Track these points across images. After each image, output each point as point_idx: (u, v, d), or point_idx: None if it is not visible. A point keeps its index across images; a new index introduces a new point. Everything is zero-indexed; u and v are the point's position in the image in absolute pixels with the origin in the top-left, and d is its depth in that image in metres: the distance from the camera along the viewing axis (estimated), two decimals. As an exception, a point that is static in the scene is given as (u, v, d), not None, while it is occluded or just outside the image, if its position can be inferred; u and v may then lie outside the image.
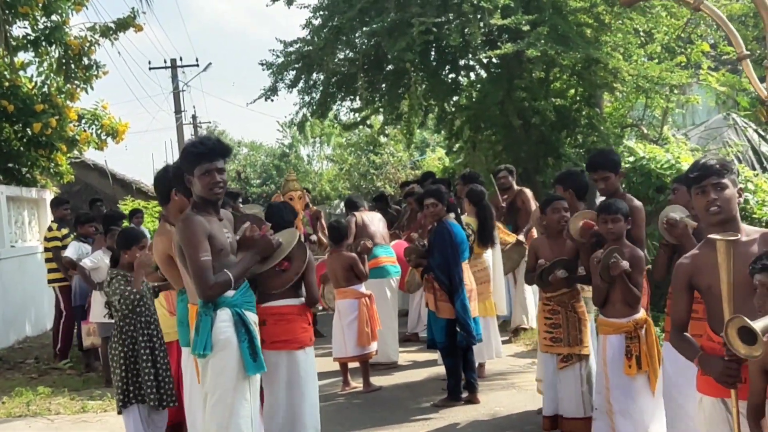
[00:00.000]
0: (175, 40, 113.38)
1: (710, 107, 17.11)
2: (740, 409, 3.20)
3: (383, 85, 13.85)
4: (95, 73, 12.64)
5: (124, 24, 12.63)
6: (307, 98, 13.79)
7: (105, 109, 13.52)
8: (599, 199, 6.02)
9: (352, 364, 8.00)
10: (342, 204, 18.56)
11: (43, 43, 11.93)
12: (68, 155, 13.48)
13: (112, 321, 5.85)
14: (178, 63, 30.34)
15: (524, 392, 7.27)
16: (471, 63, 13.84)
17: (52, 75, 12.49)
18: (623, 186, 8.59)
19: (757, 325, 2.87)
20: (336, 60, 13.11)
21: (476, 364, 7.41)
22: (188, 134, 32.75)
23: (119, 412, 5.68)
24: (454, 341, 6.93)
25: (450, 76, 13.91)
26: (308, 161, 40.65)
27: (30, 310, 12.17)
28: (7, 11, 10.98)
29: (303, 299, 5.59)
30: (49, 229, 10.17)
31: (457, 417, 6.71)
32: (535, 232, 8.84)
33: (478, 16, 11.72)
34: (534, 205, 9.63)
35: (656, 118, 14.93)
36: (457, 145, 15.97)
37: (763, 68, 4.75)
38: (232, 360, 4.33)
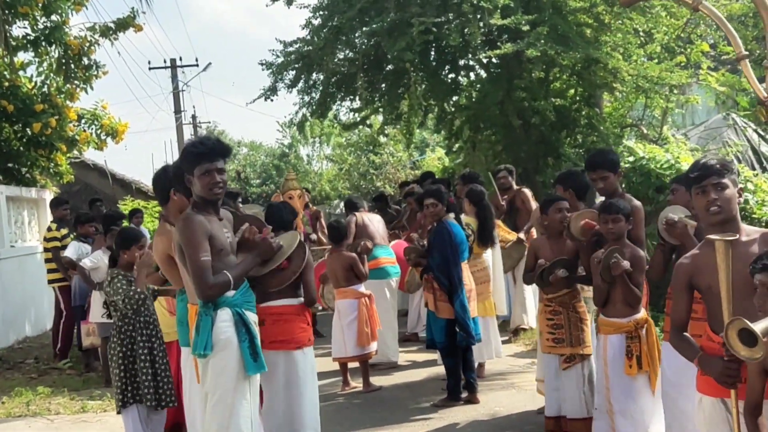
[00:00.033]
0: (174, 40, 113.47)
1: (710, 107, 17.12)
2: (740, 409, 3.20)
3: (383, 85, 13.86)
4: (95, 73, 12.65)
5: (124, 24, 12.64)
6: (306, 98, 13.80)
7: (105, 109, 13.53)
8: (599, 199, 6.02)
9: (351, 364, 8.00)
10: (342, 204, 18.55)
11: (43, 43, 11.93)
12: (68, 155, 13.49)
13: (112, 321, 5.85)
14: (178, 63, 30.34)
15: (524, 392, 7.27)
16: (471, 63, 13.85)
17: (51, 75, 12.49)
18: (623, 186, 8.61)
19: (758, 327, 2.87)
20: (336, 60, 13.11)
21: (476, 364, 7.41)
22: (188, 134, 32.74)
23: (118, 412, 5.68)
24: (454, 341, 6.93)
25: (450, 76, 13.92)
26: (308, 161, 40.62)
27: (30, 310, 12.17)
28: (6, 11, 10.98)
29: (301, 299, 5.60)
30: (49, 229, 10.17)
31: (456, 417, 6.71)
32: (534, 232, 8.84)
33: (478, 16, 11.73)
34: (534, 204, 9.63)
35: (656, 118, 14.93)
36: (456, 145, 15.97)
37: (763, 68, 4.75)
38: (232, 360, 4.33)
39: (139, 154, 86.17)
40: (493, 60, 12.87)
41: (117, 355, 5.61)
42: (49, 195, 13.18)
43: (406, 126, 15.28)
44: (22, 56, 12.52)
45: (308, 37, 13.11)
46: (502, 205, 9.80)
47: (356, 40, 12.90)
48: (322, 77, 13.50)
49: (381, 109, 14.89)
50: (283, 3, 13.32)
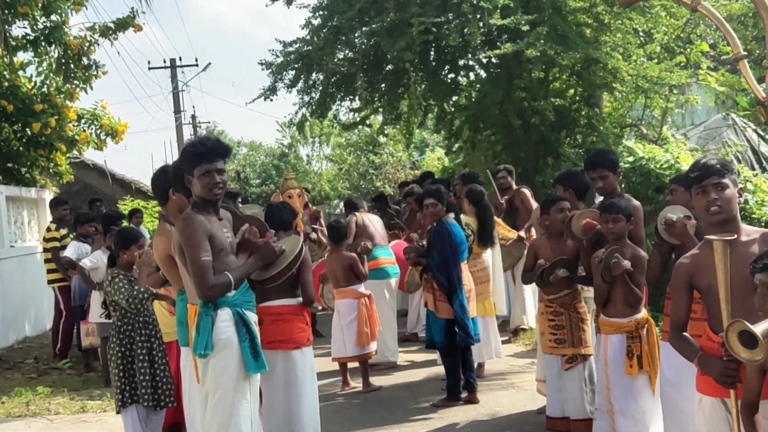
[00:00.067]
0: (174, 40, 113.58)
1: (709, 107, 17.12)
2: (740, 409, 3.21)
3: (383, 85, 13.86)
4: (94, 73, 12.65)
5: (124, 24, 12.63)
6: (306, 98, 13.81)
7: (104, 109, 13.53)
8: (598, 198, 6.02)
9: (351, 364, 8.00)
10: (341, 204, 18.55)
11: (43, 43, 11.93)
12: (68, 155, 13.49)
13: (111, 321, 5.85)
14: (178, 63, 30.33)
15: (524, 392, 7.28)
16: (470, 63, 13.85)
17: (51, 75, 12.49)
18: (622, 186, 8.61)
19: (758, 329, 2.86)
20: (335, 60, 13.12)
21: (475, 364, 7.41)
22: (187, 134, 32.74)
23: (118, 412, 5.68)
24: (453, 341, 6.93)
25: (449, 76, 13.92)
26: (307, 161, 40.59)
27: (29, 310, 12.17)
28: (6, 11, 10.98)
29: (300, 299, 5.59)
30: (48, 229, 10.17)
31: (456, 417, 6.71)
32: (534, 232, 8.83)
33: (478, 16, 11.73)
34: (533, 203, 9.64)
35: (655, 118, 14.93)
36: (456, 145, 15.97)
37: (763, 68, 4.76)
38: (232, 360, 4.33)
39: (139, 154, 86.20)
40: (493, 60, 12.88)
41: (116, 355, 5.62)
42: (48, 195, 13.18)
43: (405, 126, 15.28)
44: (21, 56, 12.53)
45: (308, 37, 13.12)
46: (501, 204, 9.81)
47: (356, 40, 12.91)
48: (321, 77, 13.51)
49: (381, 109, 14.90)
50: (282, 3, 13.32)
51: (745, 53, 4.97)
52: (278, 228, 5.68)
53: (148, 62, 30.28)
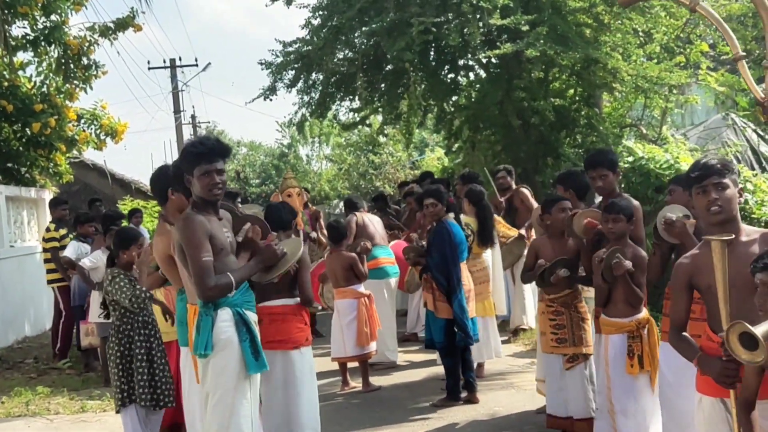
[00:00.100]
0: (174, 39, 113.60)
1: (709, 107, 17.12)
2: (740, 408, 3.22)
3: (382, 85, 13.86)
4: (94, 72, 12.64)
5: (124, 24, 12.63)
6: (306, 98, 13.81)
7: (104, 108, 13.52)
8: (597, 198, 6.02)
9: (351, 364, 8.00)
10: (341, 204, 18.55)
11: (43, 43, 11.93)
12: (67, 155, 13.49)
13: (110, 321, 5.85)
14: (178, 63, 30.32)
15: (523, 392, 7.28)
16: (470, 63, 13.85)
17: (51, 75, 12.49)
18: (621, 186, 8.61)
19: (759, 330, 2.86)
20: (335, 60, 13.12)
21: (475, 364, 7.42)
22: (187, 134, 32.72)
23: (117, 411, 5.68)
24: (453, 341, 6.93)
25: (449, 76, 13.93)
26: (307, 161, 40.58)
27: (29, 310, 12.16)
28: (6, 11, 10.98)
29: (299, 299, 5.59)
30: (47, 229, 10.17)
31: (456, 417, 6.71)
32: (534, 232, 8.82)
33: (478, 16, 11.74)
34: (533, 202, 9.64)
35: (655, 118, 14.93)
36: (456, 145, 15.97)
37: (763, 68, 4.76)
38: (232, 360, 4.33)
39: (139, 154, 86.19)
40: (493, 60, 12.88)
41: (115, 355, 5.62)
42: (48, 195, 13.18)
43: (405, 126, 15.29)
44: (21, 56, 12.53)
45: (308, 37, 13.12)
46: (500, 202, 9.81)
47: (356, 40, 12.91)
48: (321, 77, 13.51)
49: (380, 109, 14.90)
50: (282, 3, 13.32)
51: (744, 54, 4.97)
52: (278, 228, 5.68)
53: (148, 62, 30.32)
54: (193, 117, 38.71)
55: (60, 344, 9.86)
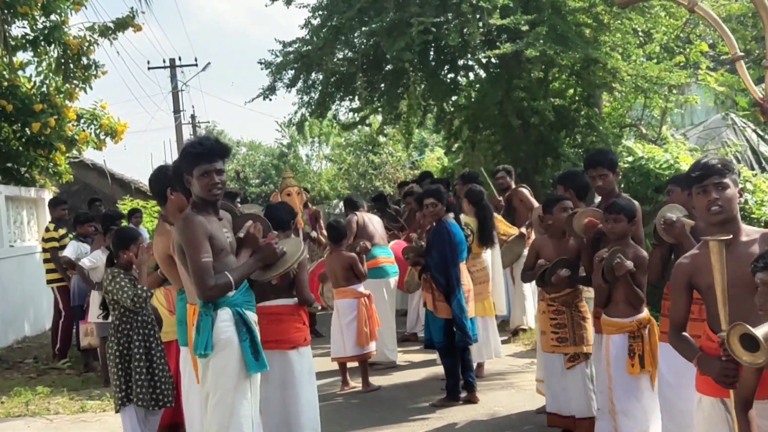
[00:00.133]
0: (174, 39, 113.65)
1: (709, 107, 17.13)
2: (739, 407, 3.22)
3: (382, 85, 13.87)
4: (94, 72, 12.64)
5: (123, 24, 12.63)
6: (306, 98, 13.81)
7: (104, 108, 13.52)
8: (597, 198, 6.02)
9: (351, 364, 8.00)
10: (341, 204, 18.55)
11: (42, 43, 11.92)
12: (67, 155, 13.48)
13: (110, 321, 5.86)
14: (177, 63, 30.31)
15: (523, 392, 7.28)
16: (470, 63, 13.86)
17: (51, 75, 12.48)
18: (621, 186, 8.61)
19: (759, 332, 2.86)
20: (335, 60, 13.12)
21: (475, 364, 7.42)
22: (187, 134, 32.71)
23: (117, 411, 5.69)
24: (453, 341, 6.92)
25: (449, 76, 13.93)
26: (307, 161, 40.56)
27: (29, 309, 12.16)
28: (6, 11, 10.97)
29: (297, 299, 5.59)
30: (47, 229, 10.18)
31: (455, 417, 6.71)
32: (533, 232, 8.81)
33: (477, 16, 11.74)
34: (533, 201, 9.64)
35: (655, 118, 14.93)
36: (456, 145, 15.98)
37: (763, 68, 4.76)
38: (232, 360, 4.33)
39: (138, 154, 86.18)
40: (493, 60, 12.88)
41: (114, 354, 5.63)
42: (48, 195, 13.18)
43: (405, 126, 15.29)
44: (21, 56, 12.53)
45: (307, 36, 13.12)
46: (499, 201, 9.80)
47: (355, 40, 12.91)
48: (321, 77, 13.52)
49: (380, 109, 14.90)
50: (282, 3, 13.32)
51: (742, 54, 4.96)
52: (277, 228, 5.67)
53: (148, 62, 30.29)
54: (192, 117, 38.74)
55: (59, 344, 9.86)
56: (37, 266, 11.31)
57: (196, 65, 31.07)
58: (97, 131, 13.36)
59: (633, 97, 13.84)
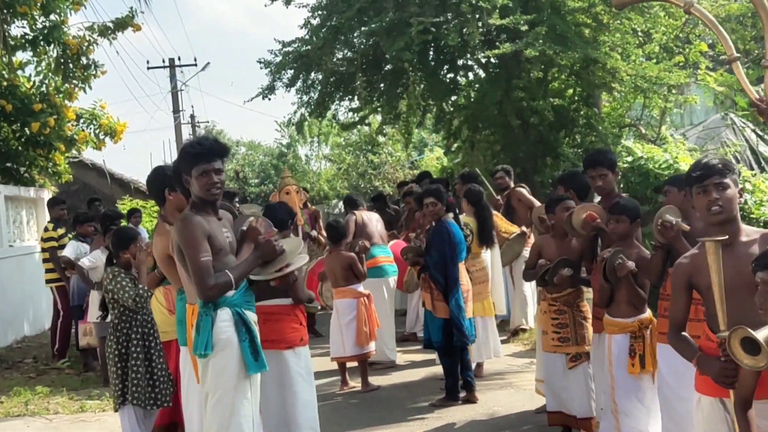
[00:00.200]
0: (173, 39, 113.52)
1: (708, 107, 17.15)
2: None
3: (381, 85, 13.88)
4: (93, 72, 12.63)
5: (123, 23, 12.62)
6: (305, 98, 13.83)
7: (103, 108, 13.51)
8: (597, 198, 6.02)
9: (350, 364, 8.00)
10: (340, 203, 18.55)
11: (42, 43, 11.92)
12: (66, 155, 13.47)
13: (109, 321, 5.86)
14: (177, 62, 30.31)
15: (522, 392, 7.28)
16: (469, 63, 13.87)
17: (50, 74, 12.48)
18: (621, 186, 8.61)
19: (761, 335, 2.86)
20: (334, 59, 13.14)
21: (474, 364, 7.42)
22: (186, 134, 32.70)
23: (116, 410, 5.69)
24: (451, 341, 6.92)
25: (448, 75, 13.95)
26: (306, 161, 40.58)
27: (28, 309, 12.16)
28: (5, 10, 10.97)
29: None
30: (45, 229, 10.17)
31: (455, 416, 6.71)
32: (532, 232, 8.81)
33: (477, 16, 11.75)
34: (532, 199, 9.63)
35: (654, 118, 14.96)
36: (455, 145, 16.00)
37: (762, 68, 4.75)
38: (232, 360, 4.33)
39: (138, 154, 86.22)
40: (492, 60, 12.89)
41: (113, 354, 5.62)
42: (47, 194, 13.17)
43: (404, 126, 15.30)
44: (20, 56, 12.52)
45: (307, 36, 13.13)
46: (498, 200, 9.80)
47: (355, 40, 12.93)
48: (320, 77, 13.54)
49: (380, 109, 14.92)
50: (281, 3, 13.33)
51: (738, 55, 4.96)
52: (275, 228, 5.67)
53: (147, 62, 30.30)
54: (192, 117, 38.72)
55: (58, 344, 9.86)
56: (37, 266, 11.31)
57: (196, 65, 31.07)
58: (97, 131, 13.35)
59: (632, 97, 13.87)
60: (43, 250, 10.15)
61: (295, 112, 14.26)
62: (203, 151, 4.36)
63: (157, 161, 40.50)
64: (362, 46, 12.86)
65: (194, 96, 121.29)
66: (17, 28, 12.00)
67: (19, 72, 12.48)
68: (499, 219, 8.83)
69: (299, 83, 13.54)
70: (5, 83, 12.01)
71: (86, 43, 12.32)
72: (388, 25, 11.77)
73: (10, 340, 11.35)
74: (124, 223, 9.53)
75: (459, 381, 7.08)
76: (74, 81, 12.53)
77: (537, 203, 8.97)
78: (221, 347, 4.31)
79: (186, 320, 4.74)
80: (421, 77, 13.44)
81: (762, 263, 3.04)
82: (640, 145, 10.38)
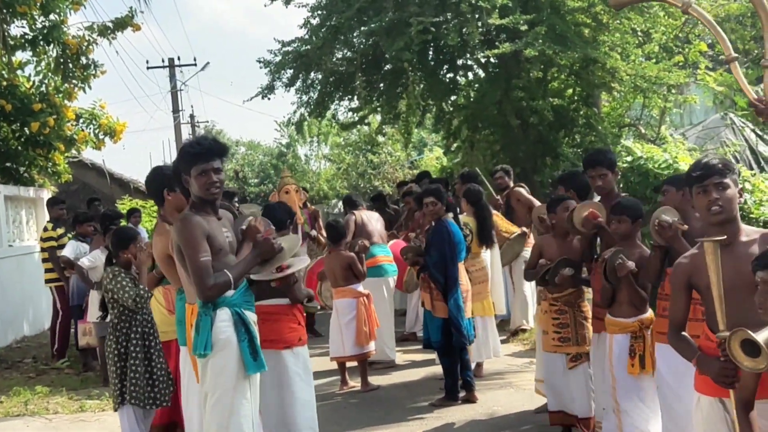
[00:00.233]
0: (173, 39, 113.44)
1: (708, 107, 17.16)
2: (738, 407, 3.22)
3: (381, 85, 13.89)
4: (93, 72, 12.63)
5: (122, 23, 12.62)
6: (305, 98, 13.84)
7: (103, 108, 13.50)
8: (596, 198, 6.02)
9: (350, 364, 8.00)
10: (340, 203, 18.55)
11: (41, 43, 11.91)
12: (66, 154, 13.47)
13: (108, 321, 5.86)
14: (176, 62, 30.30)
15: (522, 392, 7.28)
16: (469, 63, 13.88)
17: (50, 74, 12.48)
18: (620, 185, 8.61)
19: (761, 337, 2.86)
20: (334, 59, 13.14)
21: (473, 364, 7.42)
22: (186, 133, 32.71)
23: (116, 409, 5.69)
24: (451, 341, 6.92)
25: (448, 75, 13.95)
26: (306, 161, 40.58)
27: (28, 309, 12.16)
28: (5, 10, 10.97)
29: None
30: (45, 229, 10.17)
31: (454, 416, 6.71)
32: (532, 236, 8.79)
33: (476, 16, 11.75)
34: (532, 199, 9.62)
35: (654, 118, 14.96)
36: (455, 145, 16.00)
37: (761, 68, 4.75)
38: (231, 360, 4.33)
39: (137, 154, 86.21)
40: (492, 60, 12.89)
41: (113, 353, 5.62)
42: (47, 194, 13.17)
43: (404, 125, 15.30)
44: (20, 55, 12.52)
45: (306, 36, 13.13)
46: (498, 200, 9.79)
47: (354, 40, 12.93)
48: (320, 77, 13.54)
49: (379, 109, 14.92)
50: (281, 2, 13.34)
51: (736, 56, 4.95)
52: (275, 227, 5.67)
53: (147, 62, 30.22)
54: (191, 116, 38.72)
55: (57, 344, 9.85)
56: (36, 266, 11.31)
57: (195, 65, 31.06)
58: (96, 131, 13.35)
59: (632, 96, 13.87)
60: (43, 249, 10.15)
61: (295, 112, 14.27)
62: (202, 151, 4.36)
63: (156, 161, 40.51)
64: (362, 46, 12.86)
65: (194, 96, 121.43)
66: (17, 28, 12.02)
67: (19, 72, 12.48)
68: (499, 219, 8.83)
69: (299, 83, 13.54)
70: (5, 83, 12.01)
71: (86, 43, 12.32)
72: (387, 24, 11.77)
73: (9, 339, 11.35)
74: (123, 222, 9.53)
75: (458, 381, 7.08)
76: (74, 81, 12.53)
77: (536, 203, 8.98)
78: (220, 347, 4.31)
79: (186, 320, 4.74)
80: (420, 77, 13.44)
81: (762, 263, 3.04)
82: (640, 144, 10.39)
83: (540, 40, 11.23)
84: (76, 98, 12.87)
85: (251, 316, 4.49)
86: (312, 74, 13.51)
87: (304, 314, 5.96)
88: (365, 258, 8.04)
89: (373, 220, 9.26)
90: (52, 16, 11.99)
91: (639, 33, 13.07)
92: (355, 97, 13.89)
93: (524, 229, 9.12)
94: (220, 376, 4.32)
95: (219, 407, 4.32)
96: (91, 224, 9.28)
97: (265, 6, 22.91)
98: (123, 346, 5.62)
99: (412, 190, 11.03)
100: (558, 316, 5.81)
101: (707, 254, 3.17)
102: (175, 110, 30.16)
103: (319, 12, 13.12)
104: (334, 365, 8.02)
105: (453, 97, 14.57)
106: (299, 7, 13.54)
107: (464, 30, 11.69)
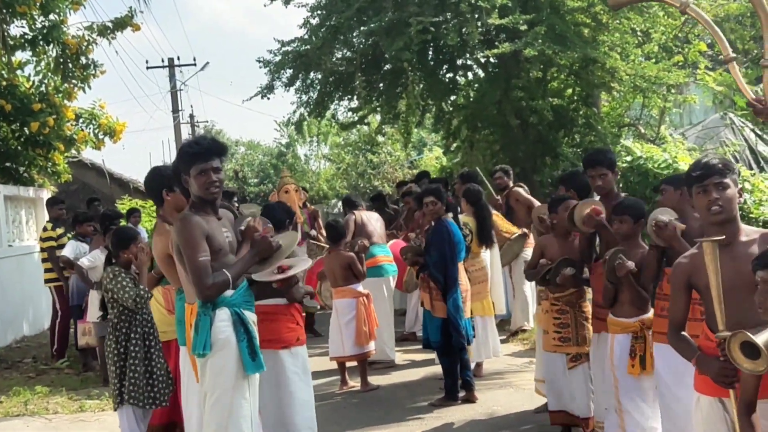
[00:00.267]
0: (172, 39, 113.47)
1: (707, 107, 17.16)
2: (738, 408, 3.22)
3: (381, 85, 13.89)
4: (93, 72, 12.62)
5: (122, 23, 12.62)
6: (304, 97, 13.84)
7: (102, 108, 13.50)
8: (596, 198, 6.02)
9: (349, 363, 8.00)
10: (339, 203, 18.55)
11: (41, 43, 11.91)
12: (66, 154, 13.47)
13: (108, 320, 5.86)
14: (176, 62, 30.30)
15: (522, 391, 7.28)
16: (469, 62, 13.88)
17: (49, 74, 12.48)
18: (620, 185, 8.61)
19: (760, 339, 2.86)
20: (333, 59, 13.14)
21: (473, 363, 7.41)
22: (186, 133, 32.71)
23: (115, 409, 5.69)
24: (450, 341, 6.92)
25: (447, 75, 13.95)
26: (305, 160, 40.57)
27: (28, 309, 12.16)
28: (4, 10, 10.96)
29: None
30: (44, 229, 10.17)
31: (454, 416, 6.71)
32: (532, 236, 8.79)
33: (476, 16, 11.75)
34: (531, 199, 9.62)
35: (653, 118, 14.96)
36: (454, 145, 16.00)
37: (761, 68, 4.76)
38: (231, 360, 4.33)
39: (137, 154, 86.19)
40: (491, 59, 12.89)
41: (113, 353, 5.62)
42: (47, 194, 13.17)
43: (404, 125, 15.30)
44: (19, 55, 12.52)
45: (306, 36, 13.13)
46: (496, 200, 9.79)
47: (354, 40, 12.93)
48: (319, 76, 13.54)
49: (379, 109, 14.93)
50: (281, 2, 13.34)
51: (734, 56, 4.95)
52: (274, 227, 5.67)
53: (146, 62, 30.22)
54: (191, 116, 38.72)
55: (57, 344, 9.85)
56: (36, 266, 11.31)
57: (195, 65, 31.07)
58: (96, 131, 13.35)
59: (631, 96, 13.87)
60: (42, 249, 10.15)
61: (295, 112, 14.27)
62: (201, 151, 4.36)
63: (156, 161, 40.52)
64: (361, 46, 12.86)
65: (193, 96, 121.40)
66: (16, 28, 12.01)
67: (19, 72, 12.48)
68: (499, 219, 8.82)
69: (298, 83, 13.54)
70: (4, 83, 12.01)
71: (85, 43, 12.32)
72: (387, 24, 11.77)
73: (9, 339, 11.35)
74: (123, 222, 9.53)
75: (458, 380, 7.08)
76: (73, 81, 12.53)
77: (536, 203, 8.98)
78: (219, 347, 4.31)
79: (185, 320, 4.74)
80: (420, 77, 13.44)
81: (762, 262, 3.04)
82: (640, 144, 10.41)
83: (539, 40, 11.23)
84: (76, 98, 12.89)
85: (251, 316, 4.49)
86: (311, 74, 13.51)
87: (303, 314, 5.96)
88: (365, 258, 8.04)
89: (373, 220, 9.26)
90: (51, 16, 11.99)
91: (638, 33, 13.08)
92: (355, 97, 13.89)
93: (525, 230, 9.12)
94: (219, 375, 4.32)
95: (218, 407, 4.32)
96: (91, 224, 9.28)
97: (265, 6, 22.94)
98: (123, 346, 5.62)
99: (411, 190, 11.02)
100: (559, 316, 5.80)
101: (706, 254, 3.17)
102: (175, 110, 30.17)
103: (319, 12, 13.12)
104: (334, 365, 8.03)
105: (453, 97, 14.57)
106: (299, 7, 13.55)
107: (464, 30, 11.69)
